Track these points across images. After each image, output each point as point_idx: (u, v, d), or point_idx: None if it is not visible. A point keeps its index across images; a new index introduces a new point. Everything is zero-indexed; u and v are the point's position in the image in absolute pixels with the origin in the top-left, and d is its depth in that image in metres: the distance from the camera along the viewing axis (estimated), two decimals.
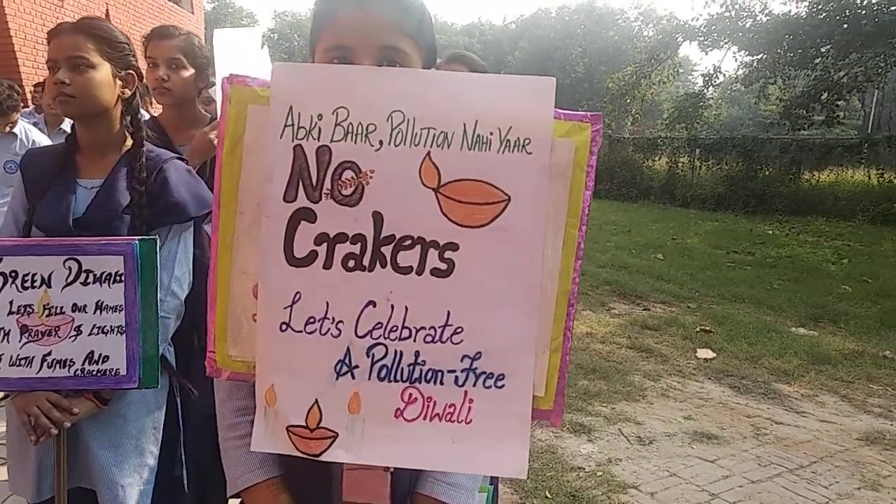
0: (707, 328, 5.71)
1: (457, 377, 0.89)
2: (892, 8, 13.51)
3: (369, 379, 0.88)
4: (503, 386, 0.90)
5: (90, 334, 1.59)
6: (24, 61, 9.17)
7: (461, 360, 0.89)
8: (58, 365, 1.59)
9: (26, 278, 1.57)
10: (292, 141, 0.85)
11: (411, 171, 0.85)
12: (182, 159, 1.81)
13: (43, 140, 3.85)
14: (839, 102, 14.32)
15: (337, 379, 0.88)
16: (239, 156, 0.88)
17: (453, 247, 0.86)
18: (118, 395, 1.65)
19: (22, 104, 4.02)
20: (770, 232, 11.49)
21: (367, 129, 0.84)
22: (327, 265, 0.86)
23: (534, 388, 0.91)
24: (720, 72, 17.03)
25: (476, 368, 0.89)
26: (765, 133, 16.18)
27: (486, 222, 0.86)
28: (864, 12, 13.83)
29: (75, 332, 1.59)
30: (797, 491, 3.13)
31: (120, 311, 1.59)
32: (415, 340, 0.88)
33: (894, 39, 12.65)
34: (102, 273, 1.58)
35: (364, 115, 0.84)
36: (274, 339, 0.88)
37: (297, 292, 0.87)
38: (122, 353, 1.60)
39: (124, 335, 1.60)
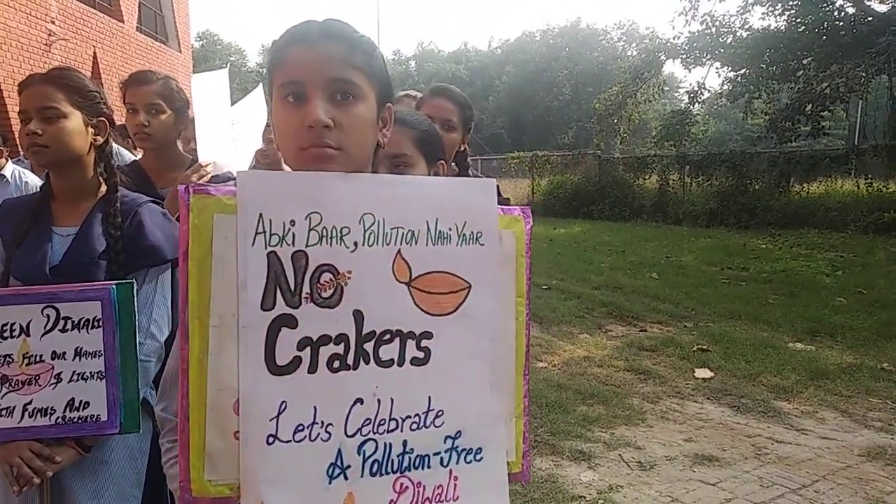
0: (704, 347, 5.68)
1: (441, 458, 0.95)
2: (869, 19, 13.77)
3: (362, 476, 0.90)
4: (482, 459, 0.98)
5: (70, 381, 1.58)
6: (13, 107, 9.22)
7: (444, 441, 0.95)
8: (39, 413, 1.57)
9: (5, 328, 1.56)
10: (265, 248, 0.86)
11: (385, 269, 0.91)
12: (158, 202, 1.81)
13: (35, 180, 3.84)
14: (823, 113, 14.48)
15: (330, 483, 0.89)
16: (208, 267, 0.87)
17: (428, 335, 0.94)
18: (101, 442, 1.63)
19: (8, 151, 4.03)
20: (763, 246, 11.51)
21: (341, 232, 0.89)
22: (312, 369, 0.88)
23: (506, 455, 1.01)
24: (704, 88, 17.26)
25: (458, 447, 0.96)
26: (752, 147, 16.30)
27: (453, 309, 0.95)
28: (841, 24, 14.10)
29: (55, 380, 1.57)
30: None
31: (99, 356, 1.58)
32: (402, 430, 0.92)
33: (872, 49, 12.83)
34: (80, 319, 1.57)
35: (337, 218, 0.89)
36: (261, 454, 0.87)
37: (283, 401, 0.87)
38: (102, 398, 1.58)
39: (104, 380, 1.58)
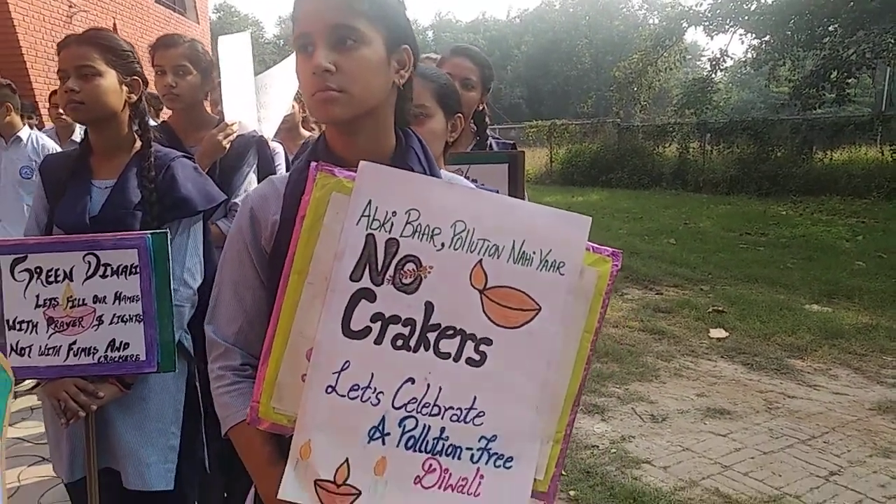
0: (720, 308, 5.73)
1: (472, 454, 1.01)
2: None
3: (397, 446, 0.98)
4: (511, 467, 1.02)
5: (111, 323, 1.69)
6: (36, 77, 9.37)
7: (479, 440, 1.00)
8: (83, 353, 1.69)
9: (50, 273, 1.67)
10: (366, 229, 0.96)
11: (464, 273, 0.98)
12: (189, 157, 1.90)
13: (53, 145, 4.02)
14: (849, 80, 14.15)
15: (369, 442, 0.98)
16: (316, 233, 0.97)
17: (487, 342, 1.00)
18: (140, 380, 1.74)
19: (36, 119, 4.20)
20: (784, 213, 11.42)
21: (432, 231, 0.97)
22: (378, 341, 0.97)
23: (535, 472, 1.04)
24: (727, 56, 16.93)
25: (490, 449, 1.01)
26: (775, 115, 16.03)
27: (517, 325, 1.00)
28: None
29: (97, 322, 1.69)
30: (809, 460, 3.17)
31: (137, 300, 1.69)
32: (442, 418, 0.99)
33: None
34: (119, 266, 1.68)
35: (432, 219, 0.97)
36: (319, 400, 0.97)
37: (347, 361, 0.97)
38: (140, 340, 1.70)
39: (142, 323, 1.70)
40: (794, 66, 15.67)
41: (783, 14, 14.71)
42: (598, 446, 3.33)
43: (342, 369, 0.97)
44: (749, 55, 16.97)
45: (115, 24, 11.88)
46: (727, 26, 16.32)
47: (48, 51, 9.75)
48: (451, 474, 1.00)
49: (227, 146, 2.26)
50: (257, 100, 2.85)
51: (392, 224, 0.97)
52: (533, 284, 1.00)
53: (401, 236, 0.97)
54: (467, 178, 2.08)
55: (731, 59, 17.40)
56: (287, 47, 42.84)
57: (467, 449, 1.00)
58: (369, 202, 0.97)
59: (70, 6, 10.44)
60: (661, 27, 18.42)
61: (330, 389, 0.97)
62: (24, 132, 3.99)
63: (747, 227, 10.03)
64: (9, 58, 9.20)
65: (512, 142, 2.49)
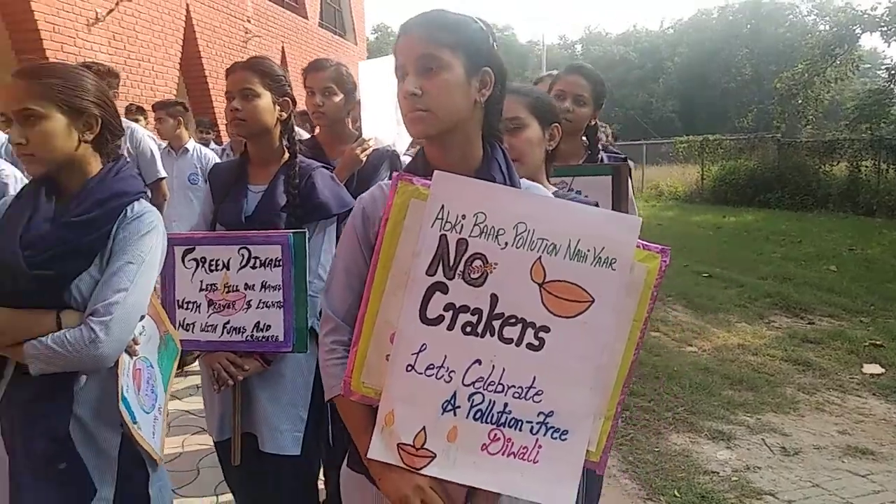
0: (878, 343, 5.23)
1: (532, 427, 1.14)
2: None
3: (467, 418, 1.14)
4: (566, 439, 1.15)
5: (257, 308, 1.97)
6: (216, 97, 10.56)
7: (537, 415, 1.14)
8: (234, 331, 1.99)
9: (212, 263, 1.99)
10: (440, 230, 1.13)
11: (525, 269, 1.12)
12: (328, 168, 2.16)
13: (211, 154, 4.78)
14: None
15: (442, 414, 1.14)
16: (398, 234, 1.16)
17: (546, 329, 1.13)
18: (278, 358, 2.01)
19: (213, 134, 4.88)
20: None
21: (497, 232, 1.12)
22: (450, 327, 1.13)
23: (588, 444, 1.16)
24: None
25: (548, 423, 1.14)
26: None
27: (573, 315, 1.13)
28: None
29: (247, 306, 1.98)
30: None
31: (279, 289, 1.96)
32: (505, 394, 1.14)
33: None
34: (266, 259, 1.96)
35: (497, 221, 1.12)
36: (400, 376, 1.14)
37: (424, 343, 1.13)
38: (280, 323, 1.96)
39: (282, 309, 1.96)
40: None
41: None
42: (718, 473, 3.22)
43: (420, 351, 1.13)
44: None
45: (283, 48, 13.07)
46: None
47: None
48: (513, 443, 1.13)
49: (364, 159, 2.50)
50: (396, 117, 3.11)
51: (462, 226, 1.11)
52: (587, 279, 1.11)
53: (469, 236, 1.11)
54: (572, 189, 2.18)
55: None
56: None
57: (527, 422, 1.13)
58: (442, 207, 1.12)
59: (246, 32, 11.67)
60: (831, 34, 16.93)
61: (409, 368, 1.13)
62: (191, 144, 4.71)
63: None
64: (195, 80, 10.48)
65: (623, 156, 2.53)
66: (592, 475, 2.36)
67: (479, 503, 1.17)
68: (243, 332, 1.98)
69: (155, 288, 1.59)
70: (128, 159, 1.63)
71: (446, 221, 1.12)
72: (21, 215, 1.42)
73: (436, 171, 1.14)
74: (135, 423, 1.44)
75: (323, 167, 2.14)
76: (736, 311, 6.53)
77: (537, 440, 1.14)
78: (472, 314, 1.12)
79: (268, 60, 2.08)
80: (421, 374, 1.13)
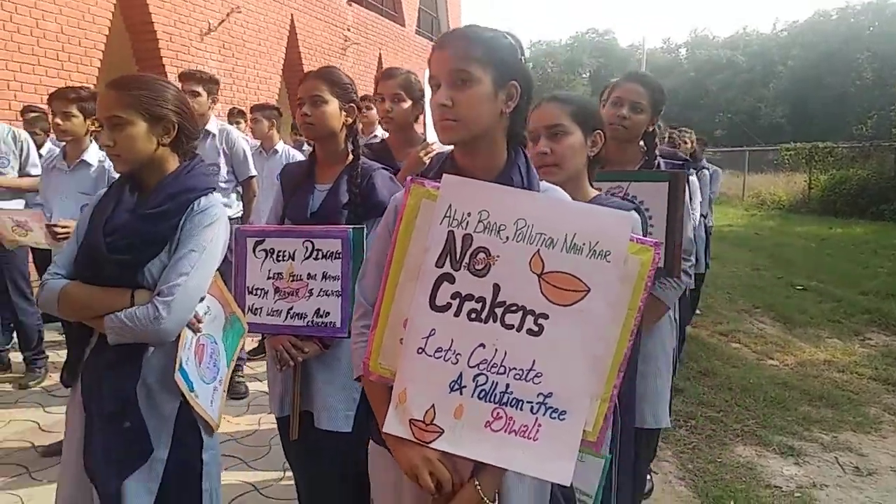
0: None
1: (532, 406, 1.23)
2: None
3: (472, 397, 1.24)
4: (564, 419, 1.23)
5: (318, 296, 2.16)
6: None
7: (537, 396, 1.23)
8: (296, 317, 2.18)
9: (279, 254, 2.19)
10: (448, 227, 1.25)
11: (525, 260, 1.23)
12: (388, 170, 2.32)
13: (300, 155, 5.08)
14: None
15: (450, 392, 1.25)
16: (410, 231, 1.30)
17: (545, 316, 1.23)
18: (336, 343, 2.18)
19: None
20: None
21: (499, 227, 1.24)
22: (456, 314, 1.25)
23: (585, 425, 1.24)
24: None
25: (547, 403, 1.23)
26: None
27: (570, 303, 1.22)
28: None
29: (308, 294, 2.17)
30: None
31: (337, 280, 2.14)
32: (507, 376, 1.23)
33: None
34: (328, 251, 2.14)
35: (499, 218, 1.24)
36: (412, 358, 1.26)
37: (433, 329, 1.25)
38: (338, 311, 2.14)
39: (340, 298, 2.13)
40: None
41: None
42: (781, 488, 3.13)
43: (429, 335, 1.25)
44: None
45: (380, 55, 13.53)
46: None
47: None
48: (514, 421, 1.23)
49: (427, 162, 2.65)
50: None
51: (467, 222, 1.23)
52: (583, 269, 1.20)
53: (474, 232, 1.23)
54: (627, 194, 2.22)
55: None
56: (536, 70, 44.25)
57: (528, 402, 1.22)
58: (450, 206, 1.24)
59: (345, 40, 12.18)
60: None
61: (420, 351, 1.25)
62: (280, 146, 5.08)
63: None
64: (296, 85, 11.04)
65: (681, 162, 2.53)
66: (637, 472, 2.40)
67: (485, 477, 1.27)
68: (305, 318, 2.16)
69: (223, 273, 1.81)
70: (202, 159, 1.84)
71: (453, 219, 1.24)
72: (107, 207, 1.67)
73: (444, 175, 1.27)
74: (192, 391, 1.65)
75: (383, 168, 2.30)
76: (828, 326, 6.20)
77: (537, 419, 1.22)
78: (477, 302, 1.23)
79: (336, 70, 2.27)
80: (430, 356, 1.25)
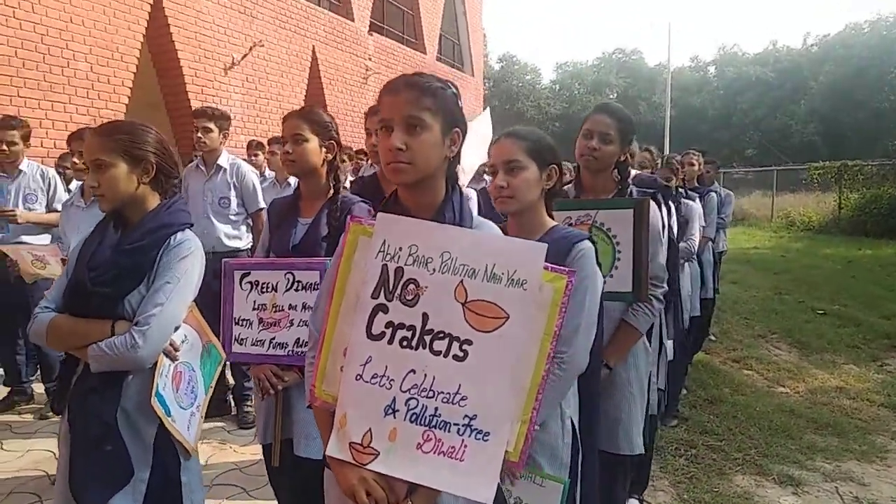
0: None
1: (459, 428, 1.31)
2: None
3: (404, 420, 1.32)
4: (488, 440, 1.31)
5: (298, 326, 2.25)
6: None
7: (463, 418, 1.31)
8: (278, 346, 2.28)
9: (263, 285, 2.30)
10: (381, 261, 1.36)
11: (450, 290, 1.32)
12: (367, 202, 2.42)
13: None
14: None
15: (384, 416, 1.33)
16: (350, 265, 1.40)
17: (469, 342, 1.31)
18: None
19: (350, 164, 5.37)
20: None
21: (427, 260, 1.34)
22: (390, 342, 1.34)
23: (507, 445, 1.32)
24: None
25: (472, 425, 1.31)
26: None
27: (492, 329, 1.31)
28: None
29: (289, 324, 2.27)
30: None
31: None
32: (436, 400, 1.32)
33: None
34: (307, 283, 2.24)
35: (427, 251, 1.34)
36: (351, 384, 1.35)
37: (370, 356, 1.34)
38: None
39: None
40: None
41: None
42: None
43: (366, 362, 1.34)
44: None
45: None
46: None
47: (347, 107, 11.76)
48: (443, 443, 1.30)
49: None
50: None
51: (399, 256, 1.33)
52: (502, 298, 1.29)
53: (405, 265, 1.33)
54: (595, 221, 2.29)
55: None
56: (562, 91, 44.39)
57: (454, 424, 1.30)
58: (384, 241, 1.34)
59: (366, 69, 12.47)
60: None
61: (358, 377, 1.34)
62: (293, 178, 5.15)
63: None
64: None
65: (653, 190, 2.58)
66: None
67: (418, 497, 1.35)
68: (286, 348, 2.27)
69: (194, 303, 1.92)
70: (181, 197, 1.97)
71: (387, 253, 1.34)
72: (93, 243, 1.80)
73: (379, 213, 1.37)
74: (169, 416, 1.76)
75: (363, 202, 2.41)
76: (845, 351, 6.10)
77: (463, 440, 1.30)
78: (408, 330, 1.32)
79: (317, 109, 2.40)
80: (367, 382, 1.33)
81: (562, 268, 1.35)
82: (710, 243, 5.35)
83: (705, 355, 5.87)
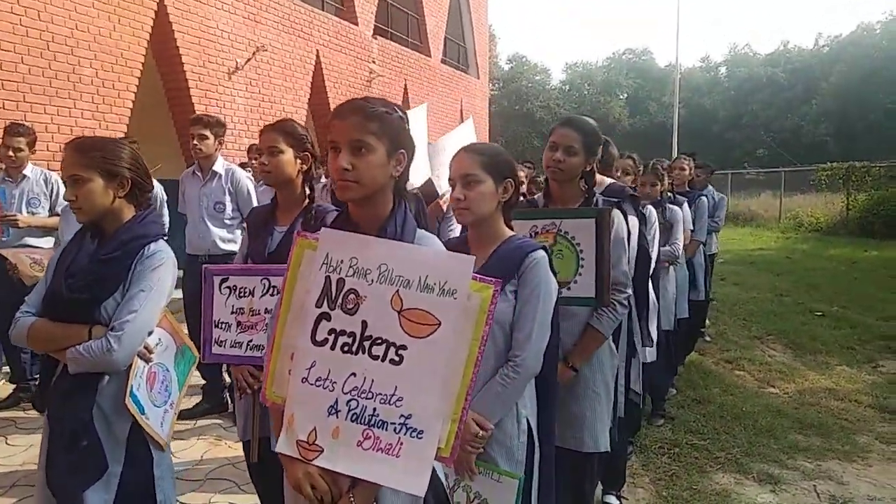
0: None
1: (395, 427, 1.41)
2: None
3: (346, 419, 1.42)
4: (421, 438, 1.40)
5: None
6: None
7: (399, 418, 1.41)
8: (255, 349, 2.38)
9: (241, 290, 2.41)
10: (325, 273, 1.46)
11: (387, 299, 1.42)
12: (340, 210, 2.52)
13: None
14: None
15: (328, 416, 1.43)
16: (296, 276, 1.51)
17: (404, 348, 1.41)
18: None
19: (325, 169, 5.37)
20: None
21: (366, 271, 1.44)
22: (332, 348, 1.44)
23: (439, 442, 1.41)
24: None
25: (407, 424, 1.41)
26: None
27: (425, 335, 1.41)
28: None
29: (265, 328, 2.36)
30: None
31: None
32: (374, 401, 1.42)
33: None
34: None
35: (367, 263, 1.44)
36: (297, 386, 1.45)
37: (314, 360, 1.44)
38: None
39: None
40: None
41: None
42: None
43: (311, 366, 1.43)
44: None
45: (405, 85, 13.89)
46: None
47: None
48: (381, 440, 1.40)
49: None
50: (434, 161, 3.45)
51: (341, 268, 1.43)
52: (435, 306, 1.38)
53: (346, 276, 1.43)
54: (560, 230, 2.37)
55: None
56: (572, 92, 44.31)
57: (391, 423, 1.40)
58: (327, 254, 1.44)
59: (370, 72, 12.58)
60: None
61: (304, 380, 1.43)
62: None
63: None
64: (322, 119, 11.46)
65: (617, 200, 2.65)
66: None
67: (359, 490, 1.45)
68: (261, 350, 2.36)
69: (169, 307, 2.01)
70: (154, 209, 2.07)
71: (330, 265, 1.44)
72: (71, 252, 1.91)
73: (322, 229, 1.47)
74: (143, 414, 1.87)
75: (336, 210, 2.50)
76: (840, 353, 6.12)
77: (399, 438, 1.39)
78: (349, 336, 1.42)
79: (292, 122, 2.50)
80: (312, 384, 1.43)
81: (489, 278, 1.45)
82: (701, 246, 5.39)
83: (699, 356, 5.92)
